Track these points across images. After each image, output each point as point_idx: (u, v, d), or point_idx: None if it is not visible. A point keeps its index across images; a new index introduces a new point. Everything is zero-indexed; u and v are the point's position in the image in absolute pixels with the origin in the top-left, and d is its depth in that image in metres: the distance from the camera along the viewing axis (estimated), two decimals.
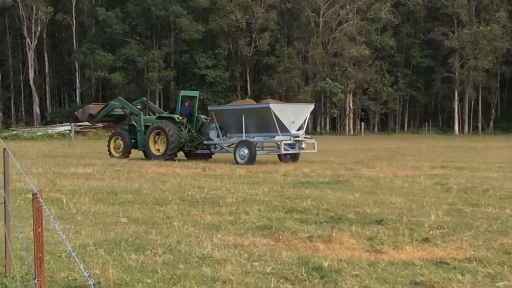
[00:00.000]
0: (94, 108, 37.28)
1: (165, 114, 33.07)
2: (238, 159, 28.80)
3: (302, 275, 7.99)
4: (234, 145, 29.95)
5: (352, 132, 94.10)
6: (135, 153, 33.57)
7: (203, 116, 32.97)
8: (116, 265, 8.42)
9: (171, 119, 31.60)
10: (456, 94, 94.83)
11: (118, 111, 35.20)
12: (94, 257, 8.85)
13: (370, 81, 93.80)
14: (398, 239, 10.18)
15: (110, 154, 33.61)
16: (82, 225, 11.51)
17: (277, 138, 29.13)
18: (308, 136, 31.36)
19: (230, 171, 23.59)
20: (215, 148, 31.88)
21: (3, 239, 8.56)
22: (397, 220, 11.89)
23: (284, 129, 29.07)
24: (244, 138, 29.37)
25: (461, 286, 7.55)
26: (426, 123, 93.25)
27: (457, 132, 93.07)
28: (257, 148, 29.72)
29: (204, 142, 31.51)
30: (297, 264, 8.57)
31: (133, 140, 33.23)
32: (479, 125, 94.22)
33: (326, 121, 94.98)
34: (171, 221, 11.90)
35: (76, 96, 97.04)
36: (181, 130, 31.67)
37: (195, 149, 32.19)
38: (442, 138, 74.49)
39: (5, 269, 7.97)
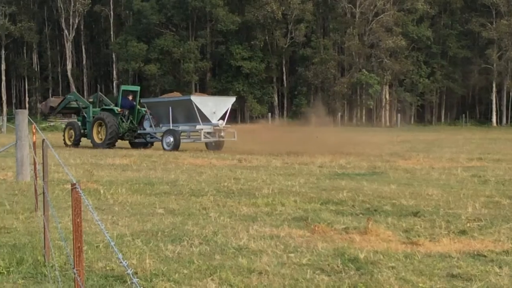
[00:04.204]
0: (54, 101, 40.44)
1: (107, 107, 36.02)
2: (165, 146, 32.41)
3: (338, 266, 7.99)
4: None
5: (388, 123, 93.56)
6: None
7: (143, 109, 35.43)
8: (153, 255, 8.47)
9: (111, 111, 35.12)
10: (494, 85, 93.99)
11: (75, 104, 37.95)
12: (131, 248, 8.90)
13: (406, 73, 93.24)
14: (435, 231, 10.13)
15: (65, 143, 36.48)
16: (119, 216, 11.58)
17: (198, 127, 32.57)
18: (229, 126, 34.46)
19: (266, 163, 23.59)
20: (151, 137, 35.29)
21: (42, 229, 8.65)
22: (433, 212, 11.82)
23: (205, 119, 32.41)
24: (171, 128, 32.78)
25: (499, 279, 7.49)
26: (463, 115, 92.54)
27: (494, 124, 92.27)
28: (183, 137, 33.58)
29: (138, 131, 35.03)
30: (333, 255, 8.56)
31: (85, 130, 36.00)
32: None
33: (362, 113, 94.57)
34: (208, 212, 11.94)
35: (113, 88, 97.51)
36: (122, 121, 35.18)
37: (134, 138, 35.80)
38: (480, 130, 73.81)
39: (44, 259, 8.06)
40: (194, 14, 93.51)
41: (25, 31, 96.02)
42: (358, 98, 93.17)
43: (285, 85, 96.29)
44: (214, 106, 33.09)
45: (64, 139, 36.72)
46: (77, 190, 4.24)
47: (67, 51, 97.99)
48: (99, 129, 34.90)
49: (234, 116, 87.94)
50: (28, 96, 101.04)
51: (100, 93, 39.81)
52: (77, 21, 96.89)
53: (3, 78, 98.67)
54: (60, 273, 7.39)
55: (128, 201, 13.41)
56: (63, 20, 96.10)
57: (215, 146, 33.06)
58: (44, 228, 7.87)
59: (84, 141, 36.18)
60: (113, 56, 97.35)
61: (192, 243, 9.21)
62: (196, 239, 9.46)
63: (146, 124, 34.96)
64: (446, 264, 8.16)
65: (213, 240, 9.45)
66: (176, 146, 32.12)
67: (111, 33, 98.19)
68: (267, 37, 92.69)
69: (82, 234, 4.33)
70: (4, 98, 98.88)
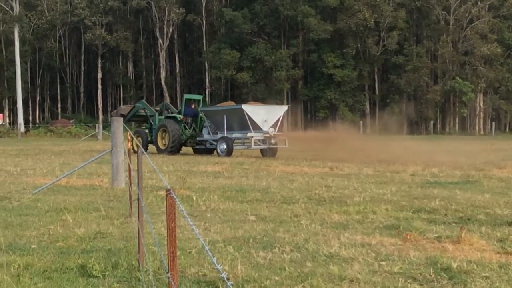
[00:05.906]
0: (125, 109, 42.77)
1: (171, 115, 37.47)
2: (219, 152, 34.10)
3: (430, 275, 7.92)
4: None
5: (482, 132, 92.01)
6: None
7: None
8: (244, 262, 8.54)
9: (174, 119, 36.85)
10: None
11: (143, 112, 39.86)
12: (223, 254, 9.00)
13: (501, 80, 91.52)
14: None
15: (133, 149, 36.89)
16: (211, 222, 11.70)
17: (248, 134, 33.90)
18: (280, 133, 35.34)
19: (357, 171, 23.48)
20: (210, 144, 36.17)
21: (136, 234, 8.83)
22: None
23: (256, 127, 33.71)
24: (225, 135, 34.50)
25: None
26: None
27: None
28: (237, 144, 35.36)
29: (198, 138, 36.77)
30: (425, 264, 8.49)
31: (152, 137, 37.59)
32: None
33: (455, 121, 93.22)
34: (299, 220, 11.96)
35: (206, 96, 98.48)
36: (185, 129, 36.71)
37: (196, 145, 37.25)
38: None
39: (139, 263, 8.22)
40: (286, 23, 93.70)
41: (120, 41, 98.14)
42: (451, 106, 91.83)
43: (377, 93, 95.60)
44: (266, 115, 34.39)
45: (132, 146, 37.68)
46: (171, 196, 4.33)
47: (161, 60, 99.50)
48: (163, 135, 36.52)
49: (326, 123, 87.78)
50: (123, 104, 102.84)
51: (166, 102, 40.89)
52: (171, 30, 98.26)
53: (99, 86, 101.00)
54: (154, 278, 7.54)
55: (220, 208, 13.54)
56: (157, 30, 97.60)
57: (270, 153, 34.23)
58: (139, 234, 8.03)
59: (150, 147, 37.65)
60: (206, 64, 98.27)
61: (283, 250, 9.25)
62: (288, 246, 9.50)
63: (204, 131, 36.51)
64: None
65: (304, 247, 9.48)
66: (229, 153, 33.72)
67: (204, 41, 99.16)
68: (359, 45, 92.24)
69: (176, 239, 4.41)
70: (100, 106, 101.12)
